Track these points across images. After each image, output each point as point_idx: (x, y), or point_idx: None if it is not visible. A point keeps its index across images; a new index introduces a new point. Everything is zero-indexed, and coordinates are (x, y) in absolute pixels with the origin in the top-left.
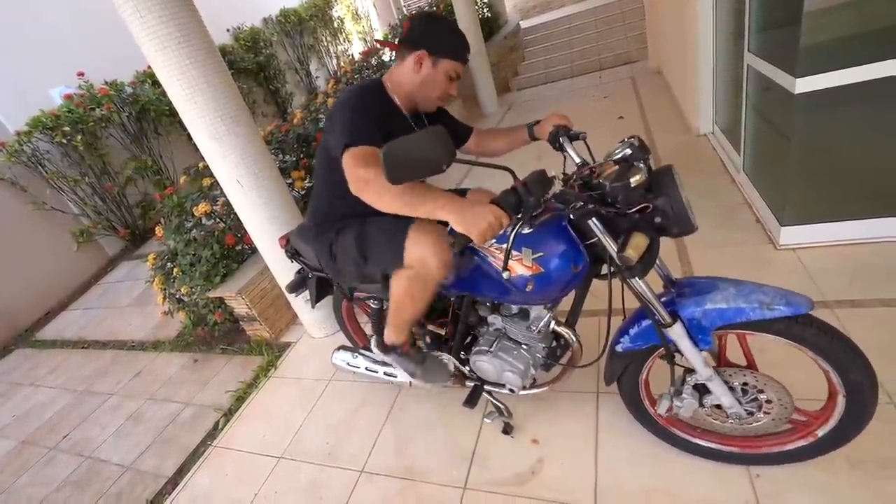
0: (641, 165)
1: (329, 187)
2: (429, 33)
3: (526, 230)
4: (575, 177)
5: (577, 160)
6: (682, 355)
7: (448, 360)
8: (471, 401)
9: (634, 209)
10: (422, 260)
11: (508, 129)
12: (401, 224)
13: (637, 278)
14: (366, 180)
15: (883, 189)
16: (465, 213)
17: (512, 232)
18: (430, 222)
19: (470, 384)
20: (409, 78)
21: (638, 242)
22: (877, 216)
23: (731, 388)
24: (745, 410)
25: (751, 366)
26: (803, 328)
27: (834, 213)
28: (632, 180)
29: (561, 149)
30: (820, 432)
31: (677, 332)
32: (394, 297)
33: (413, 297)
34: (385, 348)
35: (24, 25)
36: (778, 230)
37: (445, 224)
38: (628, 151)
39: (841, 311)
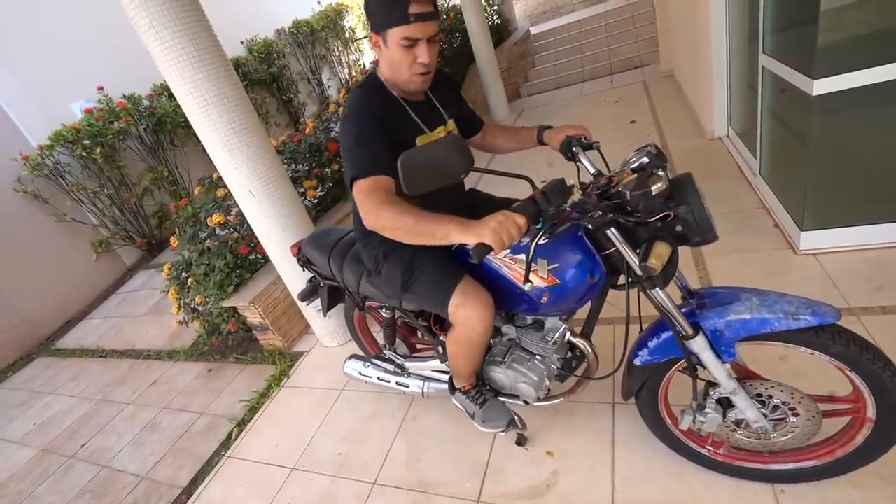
0: (661, 173)
1: None
2: (369, 12)
3: (543, 240)
4: (592, 186)
5: (592, 170)
6: (705, 368)
7: (510, 405)
8: None
9: (656, 217)
10: (466, 322)
11: (517, 128)
12: (447, 280)
13: (657, 289)
14: (376, 215)
15: None
16: (479, 228)
17: (532, 242)
18: (475, 284)
19: None
20: (382, 65)
21: (661, 251)
22: None
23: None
24: (771, 422)
25: (750, 376)
26: (830, 338)
27: (856, 216)
28: (653, 188)
29: (573, 158)
30: (870, 412)
31: (700, 345)
32: (449, 357)
33: (465, 355)
34: (452, 389)
35: (46, 41)
36: (798, 235)
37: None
38: (645, 160)
39: (867, 319)
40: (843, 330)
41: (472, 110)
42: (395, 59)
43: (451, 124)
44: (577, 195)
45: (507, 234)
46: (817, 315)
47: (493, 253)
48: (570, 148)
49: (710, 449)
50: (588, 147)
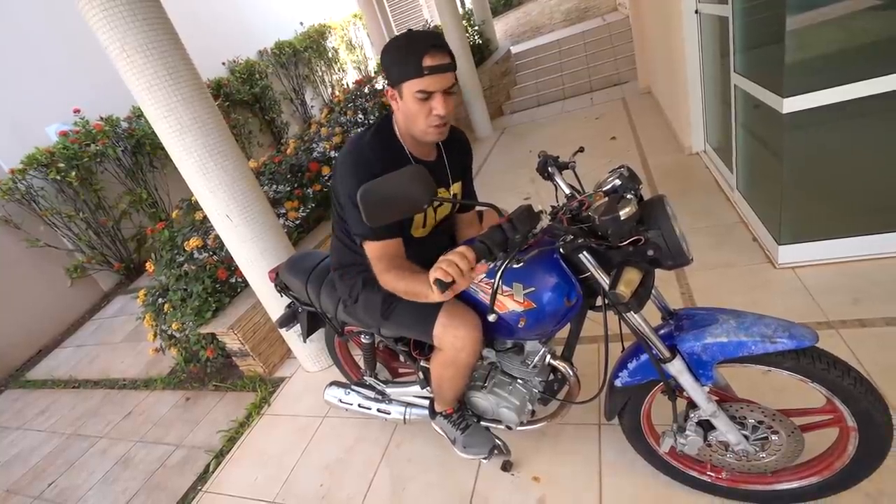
0: (630, 196)
1: (349, 240)
2: (384, 66)
3: (516, 265)
4: (564, 209)
5: (567, 191)
6: (683, 391)
7: (493, 430)
8: None
9: (626, 242)
10: (454, 343)
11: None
12: (429, 306)
13: (632, 312)
14: (381, 278)
15: (883, 205)
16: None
17: (499, 271)
18: (460, 304)
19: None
20: (398, 117)
21: (630, 278)
22: (877, 232)
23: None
24: (753, 445)
25: (724, 398)
26: (808, 361)
27: (833, 230)
28: (621, 213)
29: (550, 178)
30: (849, 421)
31: (677, 368)
32: (434, 379)
33: (452, 378)
34: (433, 413)
35: (21, 63)
36: (776, 249)
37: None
38: (618, 182)
39: (845, 332)
40: (822, 353)
41: (473, 191)
42: (411, 112)
43: (456, 187)
44: (545, 221)
45: (453, 267)
46: (795, 338)
47: (455, 285)
48: (547, 168)
49: (712, 475)
50: (564, 167)
